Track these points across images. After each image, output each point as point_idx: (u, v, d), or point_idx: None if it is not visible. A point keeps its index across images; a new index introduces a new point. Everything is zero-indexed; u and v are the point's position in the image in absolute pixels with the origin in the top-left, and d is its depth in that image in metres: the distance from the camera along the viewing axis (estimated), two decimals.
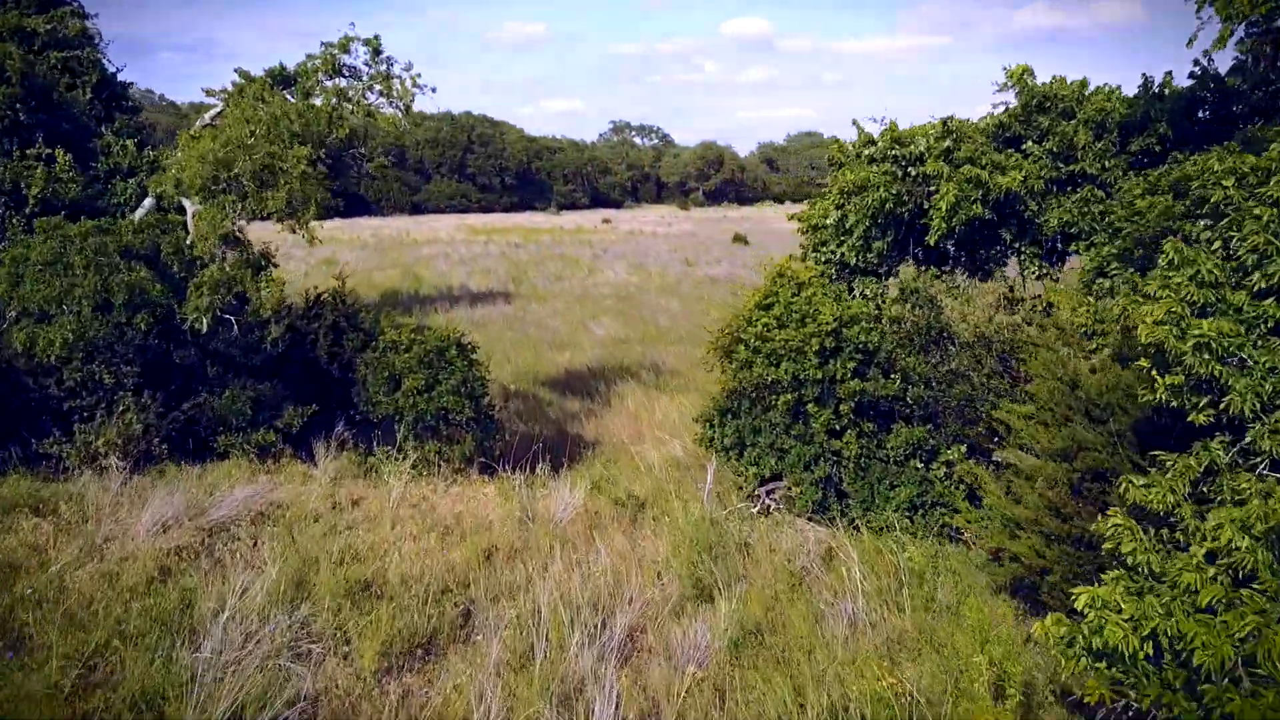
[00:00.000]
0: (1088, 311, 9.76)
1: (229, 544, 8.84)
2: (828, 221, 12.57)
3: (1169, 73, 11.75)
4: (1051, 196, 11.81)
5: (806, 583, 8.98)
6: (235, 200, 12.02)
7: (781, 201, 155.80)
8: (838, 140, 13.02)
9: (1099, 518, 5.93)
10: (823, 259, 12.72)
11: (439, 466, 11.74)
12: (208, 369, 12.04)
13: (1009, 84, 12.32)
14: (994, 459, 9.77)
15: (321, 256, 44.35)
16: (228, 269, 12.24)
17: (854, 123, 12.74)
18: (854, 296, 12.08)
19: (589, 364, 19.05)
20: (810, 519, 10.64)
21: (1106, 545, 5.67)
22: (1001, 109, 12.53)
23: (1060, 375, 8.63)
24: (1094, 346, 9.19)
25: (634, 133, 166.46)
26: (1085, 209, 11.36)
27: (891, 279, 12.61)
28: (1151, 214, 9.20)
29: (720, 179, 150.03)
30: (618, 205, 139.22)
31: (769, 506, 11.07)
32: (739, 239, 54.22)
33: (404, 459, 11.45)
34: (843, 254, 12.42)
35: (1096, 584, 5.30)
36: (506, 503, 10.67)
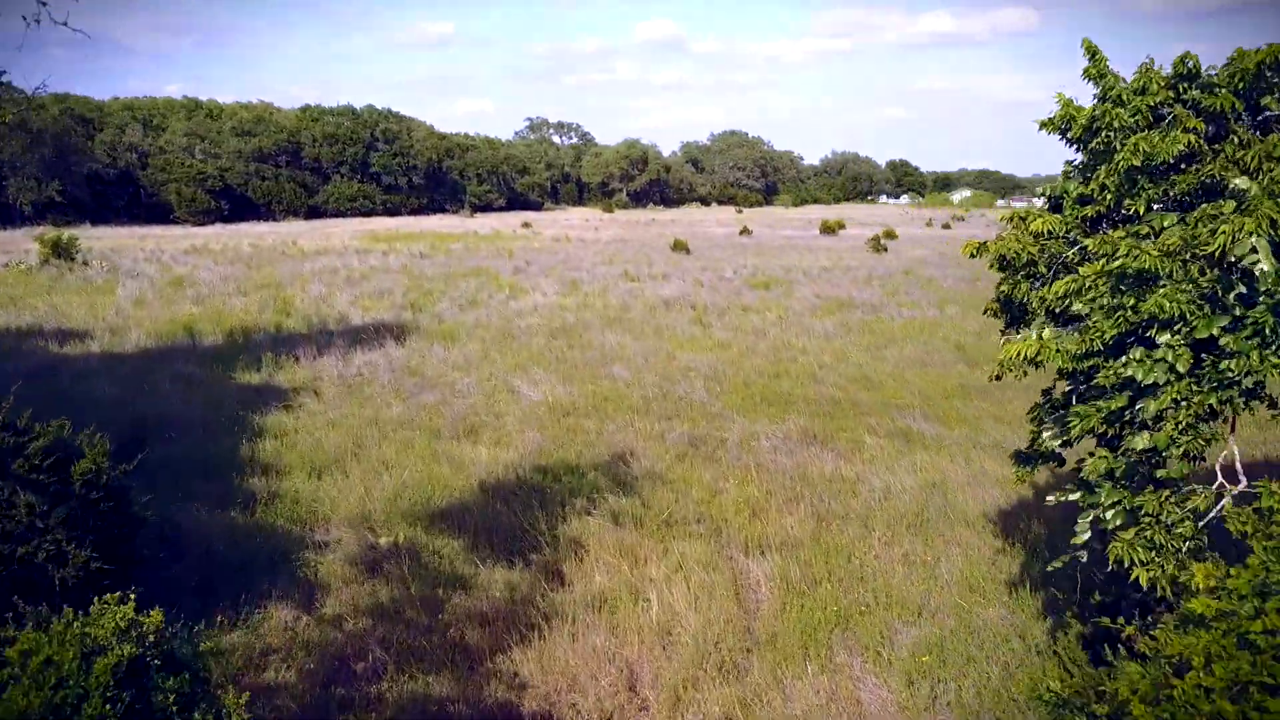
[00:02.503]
0: None
1: None
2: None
3: None
4: None
5: None
6: None
7: (708, 203, 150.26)
8: (1070, 103, 6.31)
9: None
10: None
11: None
12: None
13: None
14: None
15: (180, 272, 35.96)
16: None
17: (1085, 45, 6.12)
18: None
19: (519, 469, 11.91)
20: None
21: None
22: None
23: None
24: None
25: (552, 130, 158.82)
26: None
27: None
28: None
29: (645, 180, 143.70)
30: (537, 207, 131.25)
31: None
32: (679, 246, 47.65)
33: None
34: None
35: None
36: None
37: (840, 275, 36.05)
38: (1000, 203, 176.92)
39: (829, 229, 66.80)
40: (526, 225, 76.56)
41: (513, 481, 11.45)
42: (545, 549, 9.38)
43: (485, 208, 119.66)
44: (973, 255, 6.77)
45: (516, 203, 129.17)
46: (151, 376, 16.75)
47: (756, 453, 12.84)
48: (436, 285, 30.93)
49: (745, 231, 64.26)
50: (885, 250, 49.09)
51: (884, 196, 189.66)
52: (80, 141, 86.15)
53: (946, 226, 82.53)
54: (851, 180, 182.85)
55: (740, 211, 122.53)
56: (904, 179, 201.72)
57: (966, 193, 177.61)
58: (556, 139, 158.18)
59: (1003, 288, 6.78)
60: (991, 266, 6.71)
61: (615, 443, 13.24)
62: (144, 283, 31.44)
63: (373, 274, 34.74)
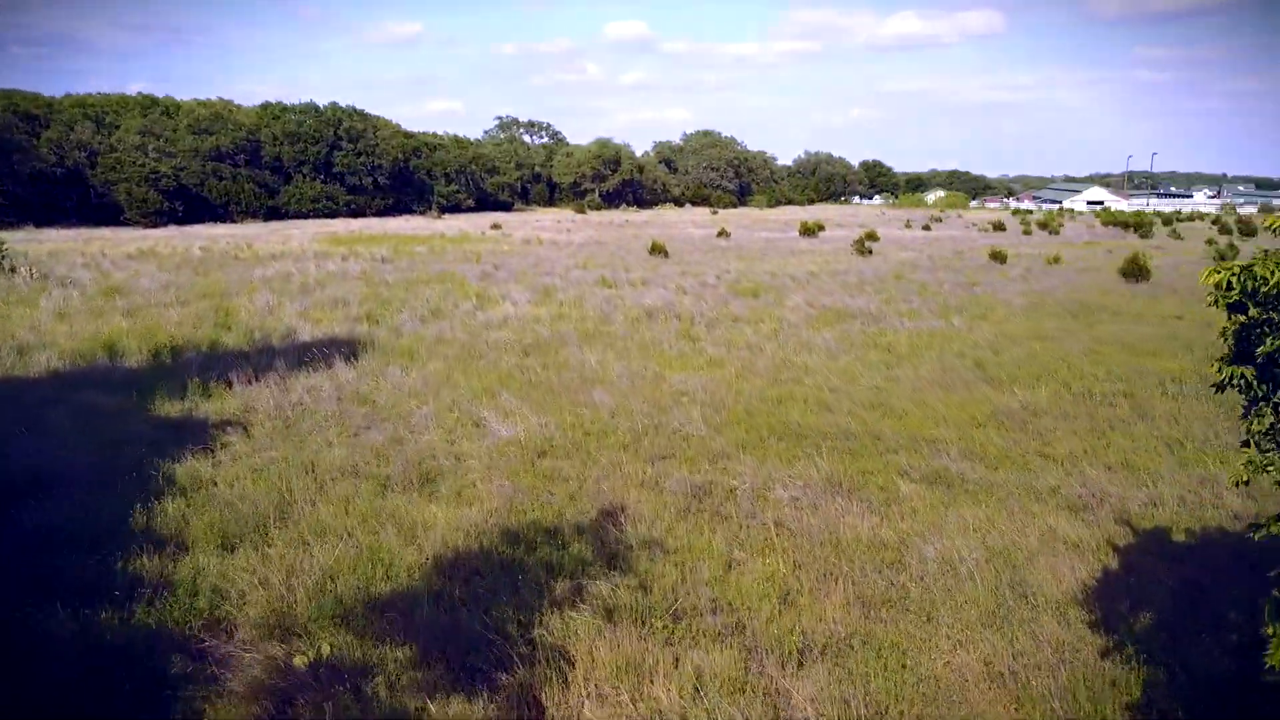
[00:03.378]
0: None
1: None
2: None
3: None
4: None
5: None
6: None
7: (681, 204, 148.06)
8: None
9: None
10: None
11: None
12: None
13: None
14: None
15: (117, 280, 33.07)
16: None
17: None
18: None
19: (485, 536, 9.56)
20: None
21: None
22: None
23: None
24: None
25: (523, 130, 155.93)
26: None
27: None
28: None
29: (618, 180, 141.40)
30: (507, 208, 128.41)
31: None
32: (657, 249, 45.50)
33: None
34: None
35: None
36: None
37: (829, 280, 34.04)
38: (974, 203, 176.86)
39: (808, 230, 64.97)
40: (496, 227, 73.98)
41: (476, 554, 9.11)
42: (518, 665, 7.06)
43: (454, 208, 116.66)
44: (1220, 289, 4.48)
45: (486, 203, 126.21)
46: (50, 409, 14.19)
47: (774, 506, 10.62)
48: (397, 294, 28.44)
49: (723, 234, 62.21)
50: (870, 253, 47.27)
51: (857, 197, 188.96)
52: (22, 139, 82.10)
53: (926, 228, 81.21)
54: (825, 181, 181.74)
55: (715, 213, 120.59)
56: (877, 179, 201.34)
57: (940, 193, 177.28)
58: (527, 138, 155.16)
59: (1239, 330, 4.56)
60: (1217, 303, 4.51)
61: (602, 494, 10.95)
62: (74, 292, 28.61)
63: (329, 280, 32.13)
